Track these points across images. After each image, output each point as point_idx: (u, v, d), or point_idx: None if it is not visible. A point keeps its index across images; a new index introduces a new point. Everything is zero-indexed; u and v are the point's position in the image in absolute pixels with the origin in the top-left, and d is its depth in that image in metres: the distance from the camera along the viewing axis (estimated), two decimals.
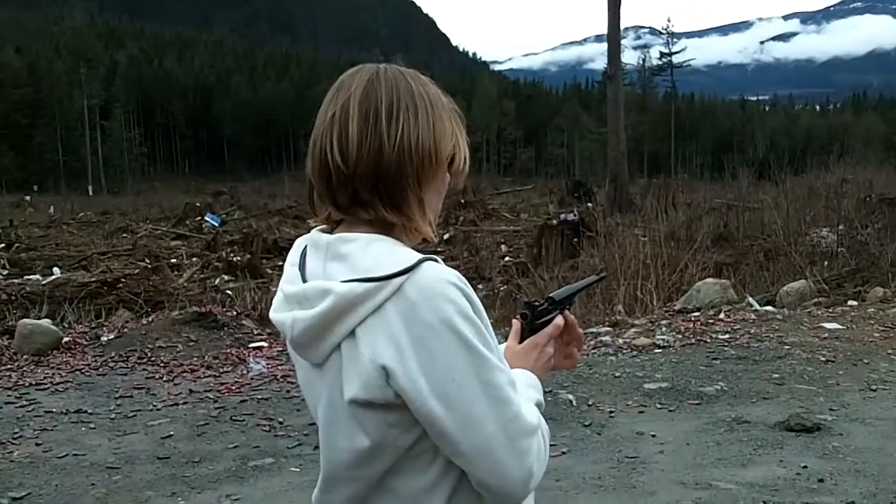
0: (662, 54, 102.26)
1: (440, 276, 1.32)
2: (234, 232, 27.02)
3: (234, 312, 10.25)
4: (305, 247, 1.48)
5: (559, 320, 1.64)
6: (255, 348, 8.74)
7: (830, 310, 10.29)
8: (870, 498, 4.89)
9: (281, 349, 8.58)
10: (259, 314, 10.09)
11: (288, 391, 7.23)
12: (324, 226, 1.49)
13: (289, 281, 1.45)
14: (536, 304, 1.66)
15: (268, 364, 8.04)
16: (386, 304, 1.31)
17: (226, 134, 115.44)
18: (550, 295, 1.69)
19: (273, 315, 1.44)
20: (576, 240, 18.15)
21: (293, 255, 1.49)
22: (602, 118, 57.36)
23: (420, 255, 1.36)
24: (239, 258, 19.54)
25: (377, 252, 1.37)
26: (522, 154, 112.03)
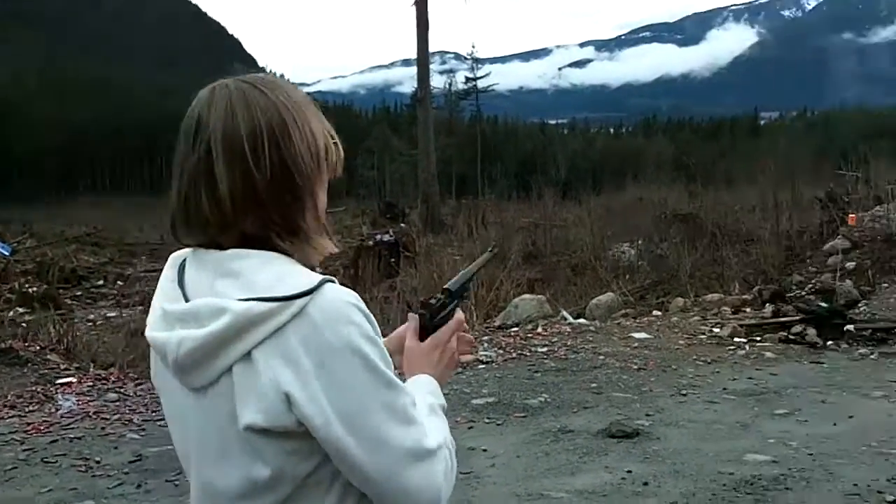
0: (468, 79, 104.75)
1: (343, 298, 1.26)
2: (26, 261, 25.27)
3: (38, 347, 9.50)
4: (184, 261, 1.37)
5: (460, 314, 1.62)
6: (63, 384, 8.11)
7: (637, 320, 10.80)
8: (690, 497, 5.10)
9: (92, 384, 8.05)
10: (65, 347, 9.44)
11: (103, 428, 6.76)
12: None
13: (168, 298, 1.33)
14: (433, 301, 1.61)
15: (78, 401, 7.49)
16: (287, 325, 1.23)
17: (19, 156, 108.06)
18: (446, 287, 1.64)
19: (151, 334, 1.33)
20: (393, 260, 18.21)
21: (169, 271, 1.38)
22: (412, 140, 58.13)
23: (320, 276, 1.28)
24: (34, 289, 18.28)
25: (276, 271, 1.27)
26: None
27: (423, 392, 1.46)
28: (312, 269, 1.32)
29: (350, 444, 1.24)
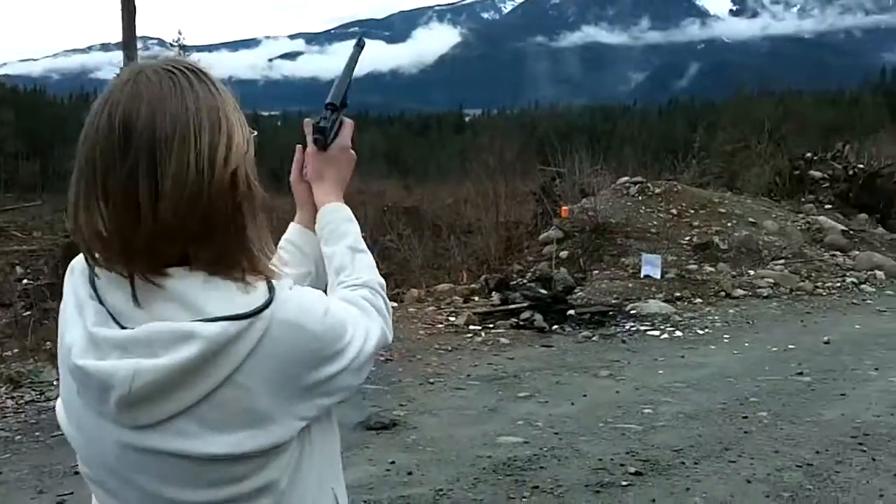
0: None
1: (301, 291, 1.23)
2: None
3: None
4: (92, 274, 1.16)
5: (348, 121, 1.63)
6: None
7: None
8: (454, 483, 5.25)
9: None
10: None
11: None
12: None
13: (94, 320, 1.13)
14: (322, 123, 1.60)
15: None
16: (262, 340, 1.13)
17: None
18: (328, 101, 1.62)
19: (83, 362, 1.11)
20: None
21: (80, 285, 1.17)
22: None
23: (261, 283, 1.17)
24: None
25: (221, 292, 1.14)
26: (26, 168, 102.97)
27: (343, 229, 1.53)
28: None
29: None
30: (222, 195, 1.13)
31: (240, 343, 1.11)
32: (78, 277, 1.19)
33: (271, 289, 1.16)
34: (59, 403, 1.24)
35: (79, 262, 1.21)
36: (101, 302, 1.14)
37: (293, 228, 1.63)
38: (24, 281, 19.65)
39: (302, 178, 1.62)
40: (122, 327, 1.12)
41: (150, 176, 1.10)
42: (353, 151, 1.64)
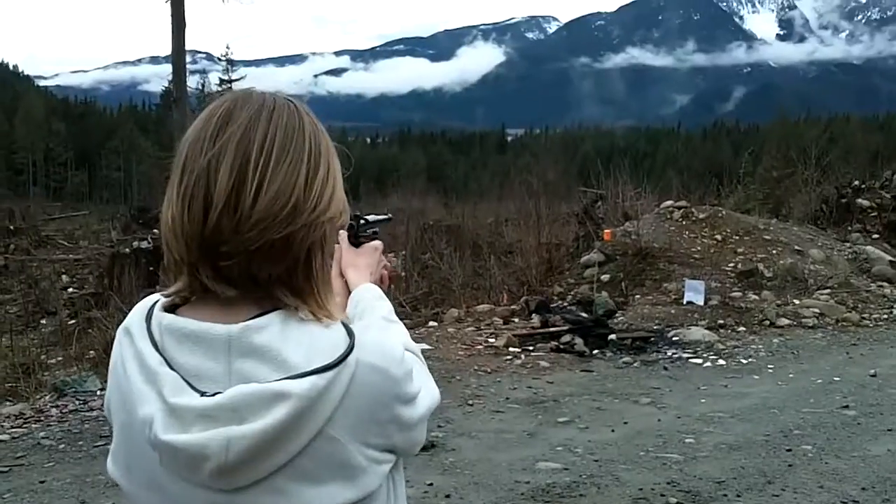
0: (222, 80, 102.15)
1: (378, 333, 1.25)
2: None
3: None
4: (150, 332, 1.14)
5: (378, 242, 1.76)
6: None
7: (416, 331, 10.92)
8: None
9: None
10: None
11: None
12: (164, 298, 1.19)
13: (176, 391, 1.08)
14: (360, 217, 1.76)
15: None
16: (350, 387, 1.11)
17: None
18: (366, 217, 1.78)
19: (174, 438, 1.05)
20: (151, 268, 17.37)
21: (149, 356, 1.12)
22: (161, 142, 56.10)
23: (336, 321, 1.16)
24: None
25: (300, 338, 1.12)
26: (75, 177, 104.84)
27: (375, 305, 1.52)
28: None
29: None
30: (314, 223, 1.15)
31: (329, 395, 1.09)
32: (140, 342, 1.14)
33: (350, 332, 1.15)
34: (111, 463, 1.21)
35: (135, 323, 1.17)
36: (171, 367, 1.10)
37: None
38: (70, 290, 19.95)
39: (340, 274, 1.68)
40: (199, 391, 1.08)
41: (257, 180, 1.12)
42: (380, 242, 1.77)
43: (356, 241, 1.73)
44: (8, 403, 7.88)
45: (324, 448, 1.10)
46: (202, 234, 1.11)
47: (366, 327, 1.22)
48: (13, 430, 6.70)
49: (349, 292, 1.63)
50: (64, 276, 22.20)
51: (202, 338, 1.11)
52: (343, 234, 1.69)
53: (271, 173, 1.12)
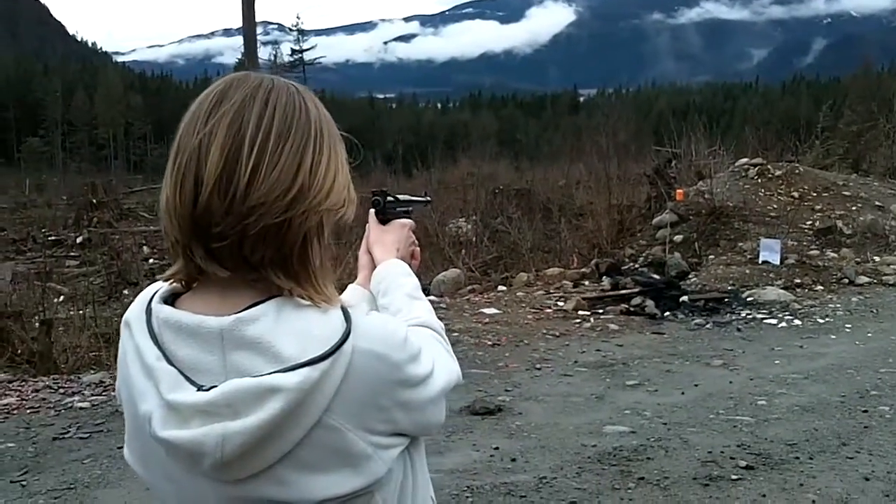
0: (293, 51, 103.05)
1: (379, 317, 1.20)
2: None
3: None
4: (150, 325, 1.13)
5: (408, 220, 1.75)
6: None
7: (485, 296, 10.95)
8: (558, 471, 5.21)
9: None
10: None
11: None
12: (166, 285, 1.18)
13: (173, 386, 1.07)
14: (380, 197, 1.72)
15: None
16: (346, 376, 1.08)
17: None
18: (396, 196, 1.76)
19: (171, 434, 1.06)
20: None
21: (148, 350, 1.11)
22: None
23: (335, 306, 1.14)
24: None
25: (295, 327, 1.09)
26: (154, 150, 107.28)
27: (399, 281, 1.54)
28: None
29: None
30: (302, 209, 1.12)
31: (325, 385, 1.07)
32: (139, 336, 1.13)
33: (347, 317, 1.12)
34: (128, 453, 1.22)
35: (134, 316, 1.16)
36: (169, 361, 1.09)
37: (350, 288, 1.64)
38: (150, 260, 20.44)
39: (367, 250, 1.69)
40: (196, 384, 1.07)
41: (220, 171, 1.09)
42: (410, 220, 1.76)
43: (384, 218, 1.72)
44: (91, 372, 8.14)
45: (324, 437, 1.08)
46: (193, 214, 1.09)
47: (364, 312, 1.17)
48: (93, 397, 6.94)
49: (375, 268, 1.63)
50: (144, 248, 22.72)
51: (196, 331, 1.10)
52: (370, 211, 1.71)
53: (270, 156, 1.10)
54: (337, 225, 1.20)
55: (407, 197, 1.81)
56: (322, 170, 1.14)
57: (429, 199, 2.02)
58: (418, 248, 1.78)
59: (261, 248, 1.10)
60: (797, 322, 9.46)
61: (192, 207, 1.09)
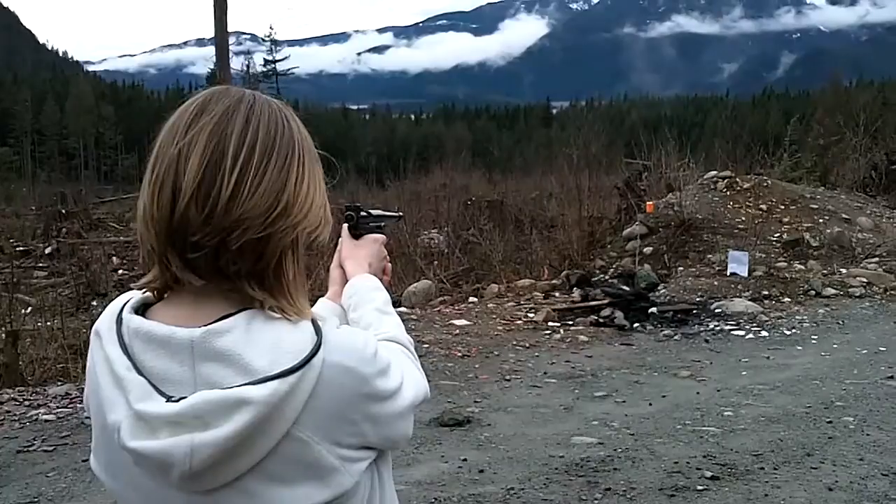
0: (267, 61, 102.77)
1: (349, 330, 1.20)
2: None
3: None
4: (121, 334, 1.13)
5: (380, 235, 1.75)
6: None
7: (456, 307, 10.97)
8: (526, 482, 5.23)
9: None
10: None
11: None
12: (138, 294, 1.18)
13: (142, 396, 1.07)
14: (360, 209, 1.73)
15: None
16: (316, 388, 1.09)
17: None
18: (369, 210, 1.76)
19: (140, 445, 1.06)
20: None
21: (117, 360, 1.11)
22: None
23: (306, 319, 1.15)
24: None
25: (265, 339, 1.10)
26: (125, 160, 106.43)
27: (370, 296, 1.55)
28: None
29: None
30: (281, 221, 1.13)
31: (293, 398, 1.07)
32: (109, 346, 1.13)
33: (318, 330, 1.13)
34: (95, 464, 1.21)
35: (104, 325, 1.16)
36: (139, 372, 1.09)
37: (321, 302, 1.63)
38: (120, 271, 20.27)
39: (339, 265, 1.69)
40: (166, 395, 1.07)
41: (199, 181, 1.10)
42: (382, 235, 1.77)
43: (357, 233, 1.73)
44: (58, 384, 8.06)
45: (292, 450, 1.09)
46: (170, 222, 1.10)
47: (335, 326, 1.17)
48: (59, 409, 6.87)
49: (346, 282, 1.63)
50: (114, 258, 22.52)
51: (166, 342, 1.10)
52: (343, 226, 1.71)
53: (255, 170, 1.11)
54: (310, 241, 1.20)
55: (380, 212, 1.82)
56: (304, 188, 1.16)
57: (400, 214, 2.04)
58: (389, 264, 1.79)
59: (238, 260, 1.11)
60: (764, 333, 9.56)
61: (170, 216, 1.10)
